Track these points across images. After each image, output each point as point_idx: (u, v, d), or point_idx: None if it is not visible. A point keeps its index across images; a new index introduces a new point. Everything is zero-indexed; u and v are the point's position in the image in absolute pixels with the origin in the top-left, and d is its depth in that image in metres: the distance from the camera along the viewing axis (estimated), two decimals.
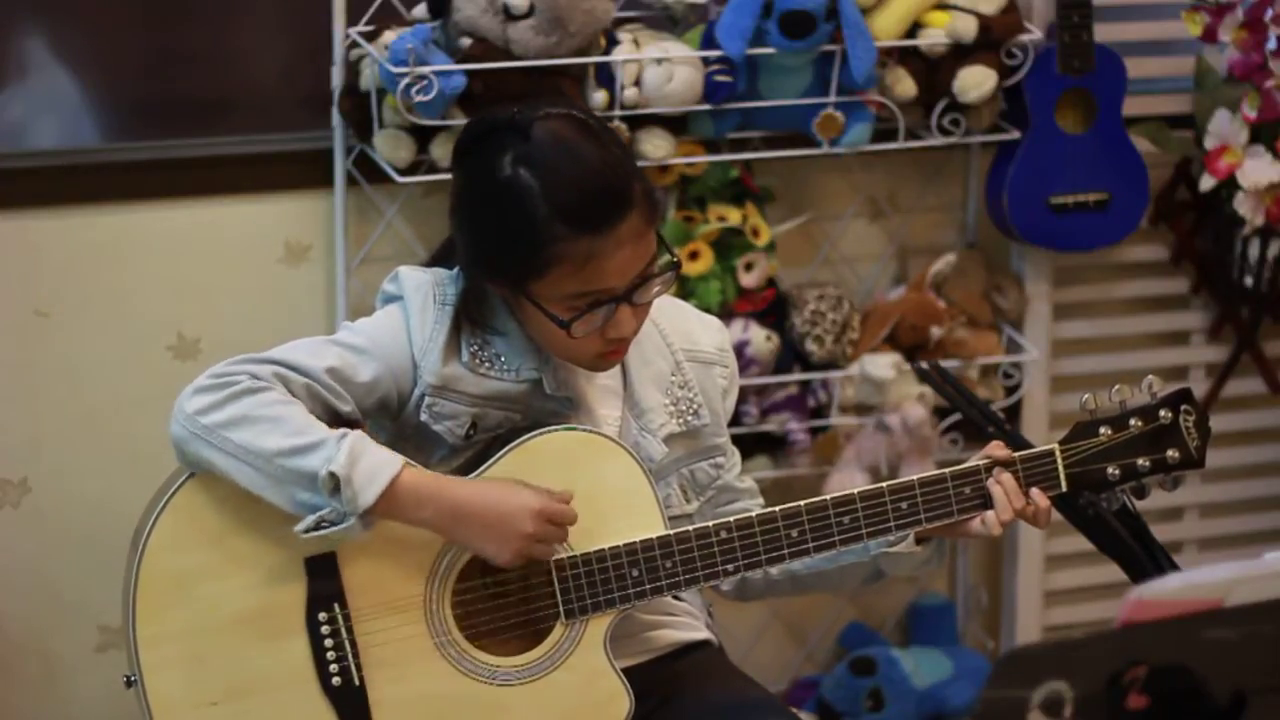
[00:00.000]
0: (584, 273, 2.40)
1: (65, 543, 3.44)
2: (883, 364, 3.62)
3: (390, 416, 2.52)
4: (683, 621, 2.67)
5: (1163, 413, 2.55)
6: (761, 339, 3.56)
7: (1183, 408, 2.55)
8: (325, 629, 2.43)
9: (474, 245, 2.48)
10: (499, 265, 2.45)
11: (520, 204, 2.40)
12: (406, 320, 2.49)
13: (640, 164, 3.35)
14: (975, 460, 2.54)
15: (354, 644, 2.44)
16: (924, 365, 3.31)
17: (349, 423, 2.45)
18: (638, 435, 2.56)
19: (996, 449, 2.56)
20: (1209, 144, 3.70)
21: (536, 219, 2.39)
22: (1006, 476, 2.52)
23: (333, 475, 2.32)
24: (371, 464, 2.35)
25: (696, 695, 2.60)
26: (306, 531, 2.36)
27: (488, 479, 2.45)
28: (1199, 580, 1.75)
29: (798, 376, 3.62)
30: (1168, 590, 1.73)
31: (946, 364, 3.50)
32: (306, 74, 3.48)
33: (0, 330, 3.37)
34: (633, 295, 2.44)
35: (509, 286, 2.46)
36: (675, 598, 2.66)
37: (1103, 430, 2.54)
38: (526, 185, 2.40)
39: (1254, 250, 3.77)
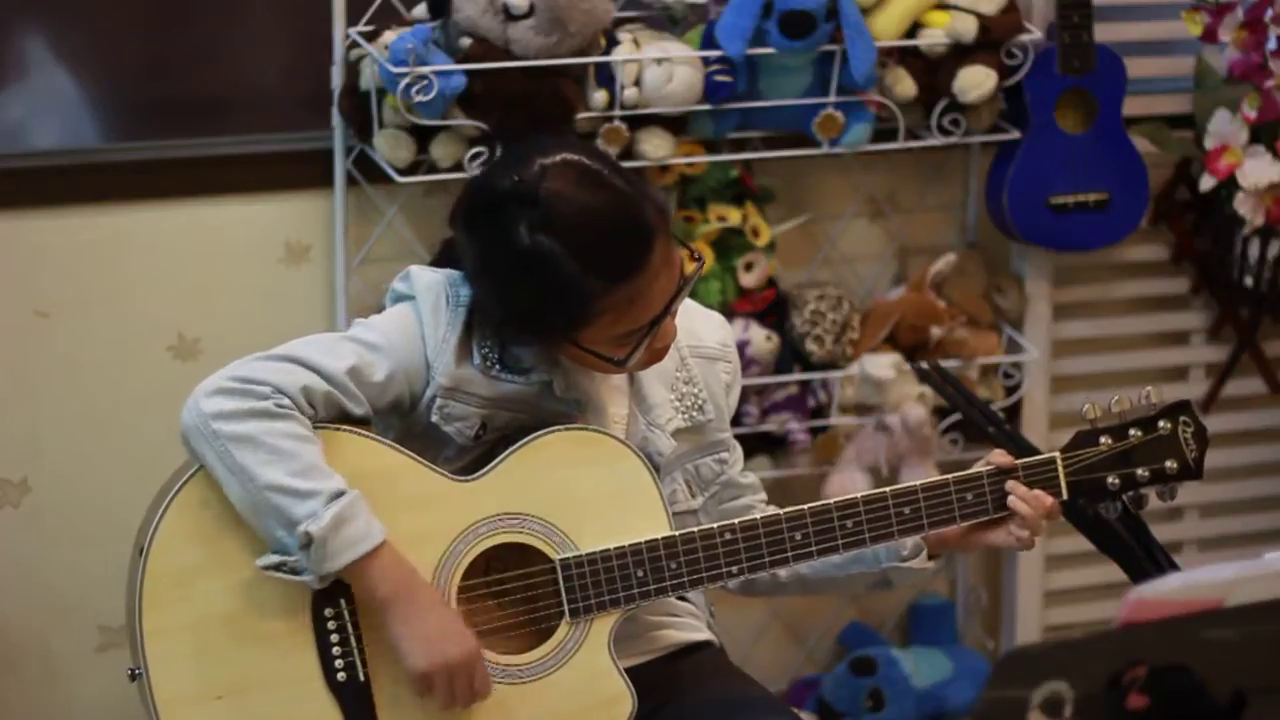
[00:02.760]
0: (629, 314, 2.41)
1: (65, 543, 3.44)
2: (883, 364, 3.62)
3: (400, 415, 2.52)
4: (685, 622, 2.67)
5: (1162, 424, 2.58)
6: (761, 339, 3.56)
7: (1181, 419, 2.59)
8: (331, 624, 2.43)
9: (509, 310, 2.46)
10: (540, 327, 2.45)
11: (550, 270, 2.38)
12: (419, 320, 2.49)
13: (640, 164, 3.36)
14: (978, 467, 2.56)
15: (359, 640, 2.44)
16: (924, 365, 3.31)
17: (360, 423, 2.46)
18: (645, 430, 2.57)
19: (999, 456, 2.57)
20: (1209, 144, 3.70)
21: (571, 280, 2.38)
22: (1022, 488, 2.54)
23: (307, 534, 2.33)
24: (352, 534, 2.35)
25: (697, 695, 2.60)
26: (265, 569, 2.38)
27: (454, 610, 2.44)
28: (1199, 580, 1.75)
29: (798, 376, 3.62)
30: (1168, 590, 1.73)
31: (946, 364, 3.51)
32: (306, 74, 3.48)
33: (0, 330, 3.37)
34: (670, 307, 2.45)
35: (551, 342, 2.46)
36: (679, 598, 2.66)
37: (1103, 440, 2.57)
38: (550, 250, 2.38)
39: (1254, 250, 3.77)
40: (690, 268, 2.48)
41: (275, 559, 2.38)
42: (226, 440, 2.36)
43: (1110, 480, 2.57)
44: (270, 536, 2.38)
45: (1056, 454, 2.57)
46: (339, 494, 2.35)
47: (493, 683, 2.44)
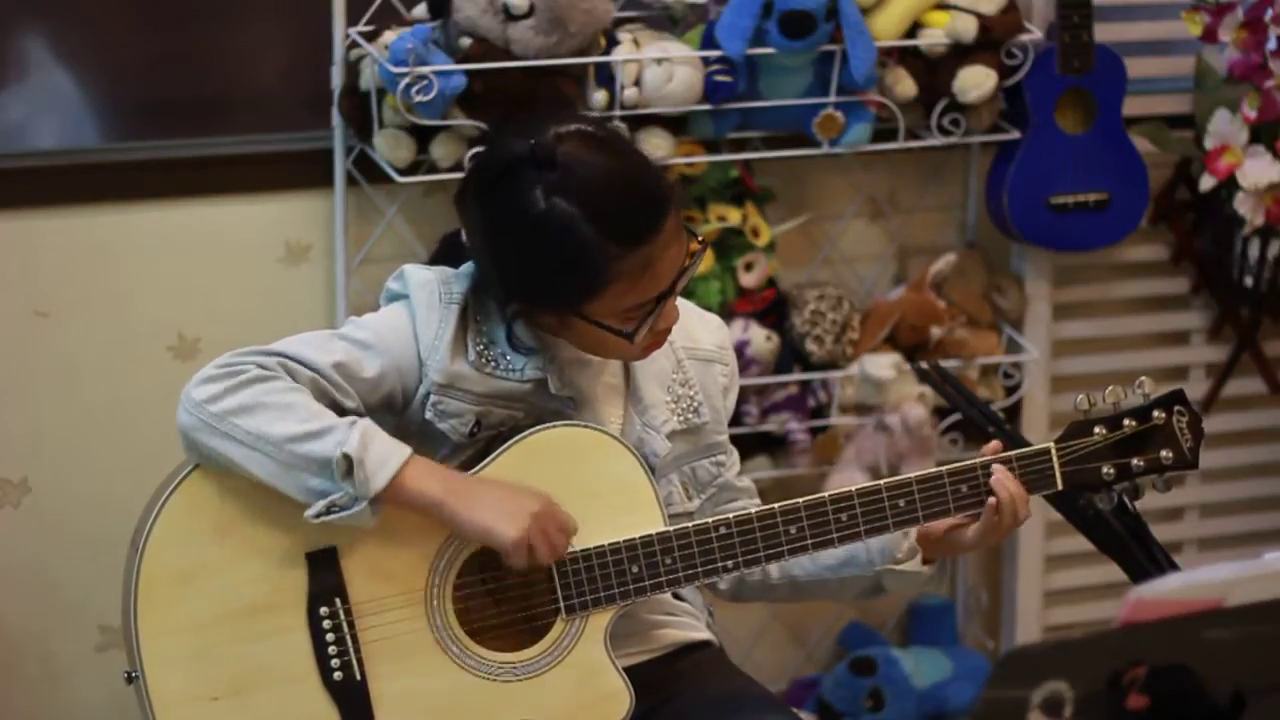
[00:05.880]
0: (640, 283, 2.41)
1: (65, 543, 3.44)
2: (883, 364, 3.62)
3: (394, 414, 2.52)
4: (684, 621, 2.67)
5: (1156, 413, 2.57)
6: (761, 339, 3.56)
7: (1175, 408, 2.58)
8: (326, 623, 2.43)
9: (519, 281, 2.45)
10: (551, 296, 2.44)
11: (566, 233, 2.38)
12: (412, 318, 2.49)
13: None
14: (974, 460, 2.56)
15: (355, 638, 2.44)
16: (924, 365, 3.31)
17: (354, 416, 2.46)
18: (641, 432, 2.57)
19: (995, 447, 2.57)
20: (1209, 144, 3.70)
21: (587, 244, 2.38)
22: (1009, 476, 2.53)
23: (346, 457, 2.32)
24: (382, 449, 2.36)
25: (697, 694, 2.60)
26: (317, 516, 2.36)
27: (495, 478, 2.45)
28: (1199, 580, 1.75)
29: (798, 376, 3.62)
30: (1168, 590, 1.73)
31: (946, 364, 3.51)
32: (306, 74, 3.48)
33: (0, 330, 3.37)
34: (675, 286, 2.46)
35: (560, 313, 2.46)
36: (676, 596, 2.66)
37: (1097, 430, 2.56)
38: (567, 214, 2.38)
39: (1254, 250, 3.77)
40: (694, 246, 2.48)
41: (322, 505, 2.36)
42: (228, 416, 2.36)
43: (1105, 470, 2.56)
44: (307, 490, 2.36)
45: (1051, 445, 2.56)
46: (354, 421, 2.37)
47: (571, 524, 2.44)
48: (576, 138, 2.42)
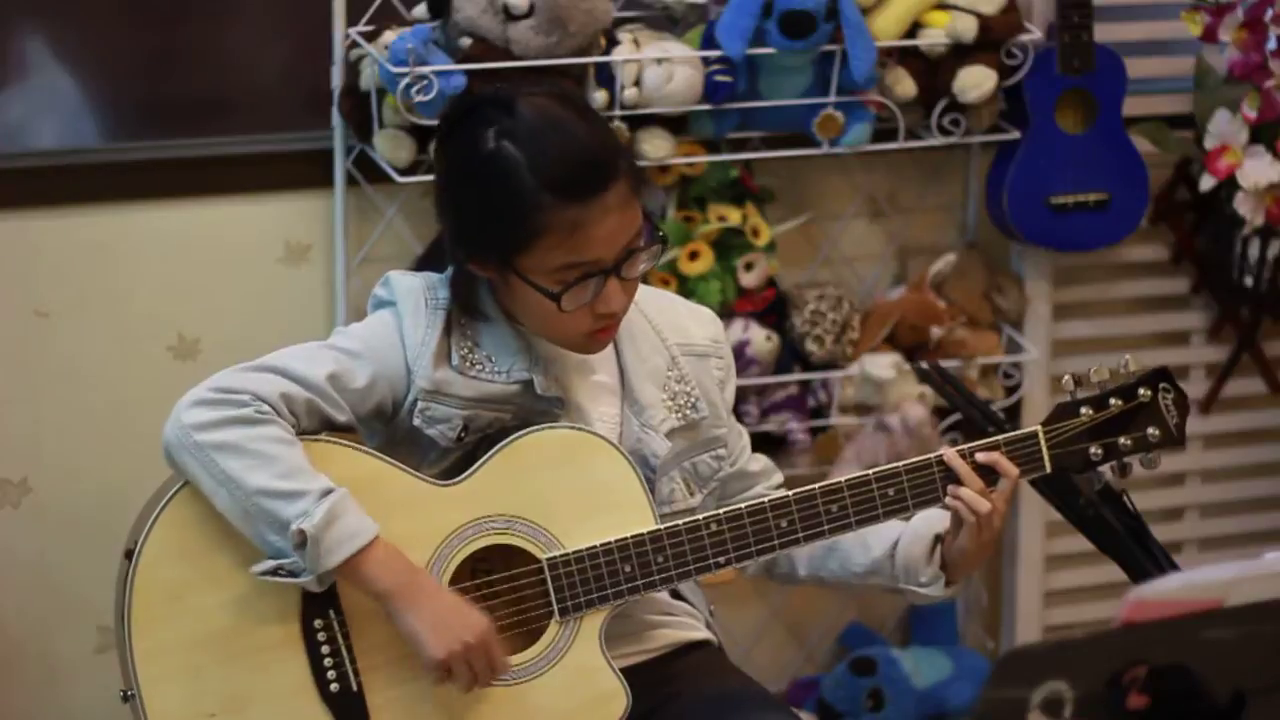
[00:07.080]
0: (571, 241, 2.40)
1: (66, 543, 3.44)
2: (883, 364, 3.62)
3: (383, 421, 2.51)
4: (683, 621, 2.67)
5: (1141, 391, 2.57)
6: (761, 339, 3.56)
7: (1161, 386, 2.58)
8: (321, 635, 2.43)
9: (460, 223, 2.48)
10: (485, 241, 2.45)
11: (505, 176, 2.40)
12: (399, 325, 2.49)
13: (640, 164, 3.36)
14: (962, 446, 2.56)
15: (350, 649, 2.43)
16: (924, 365, 3.31)
17: (343, 431, 2.46)
18: (639, 433, 2.56)
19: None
20: (1209, 144, 3.70)
21: (522, 190, 2.39)
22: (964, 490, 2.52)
23: (301, 532, 2.33)
24: (345, 529, 2.35)
25: (695, 694, 2.60)
26: (262, 574, 2.37)
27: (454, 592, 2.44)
28: (1199, 580, 1.75)
29: (798, 376, 3.62)
30: (1168, 590, 1.73)
31: (946, 364, 3.51)
32: (306, 74, 3.48)
33: (0, 330, 3.37)
34: (621, 268, 2.44)
35: (496, 263, 2.45)
36: (675, 596, 2.66)
37: (1084, 410, 2.56)
38: (511, 157, 2.40)
39: (1254, 250, 3.77)
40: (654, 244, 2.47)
41: (271, 564, 2.37)
42: (210, 450, 2.36)
43: (1093, 451, 2.56)
44: (264, 542, 2.37)
45: (1038, 427, 2.56)
46: (328, 491, 2.35)
47: (507, 660, 2.43)
48: (543, 95, 2.46)
